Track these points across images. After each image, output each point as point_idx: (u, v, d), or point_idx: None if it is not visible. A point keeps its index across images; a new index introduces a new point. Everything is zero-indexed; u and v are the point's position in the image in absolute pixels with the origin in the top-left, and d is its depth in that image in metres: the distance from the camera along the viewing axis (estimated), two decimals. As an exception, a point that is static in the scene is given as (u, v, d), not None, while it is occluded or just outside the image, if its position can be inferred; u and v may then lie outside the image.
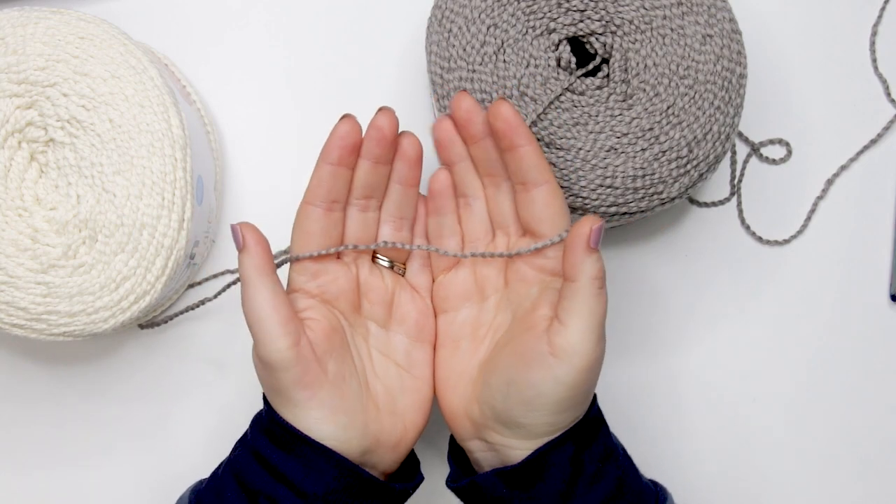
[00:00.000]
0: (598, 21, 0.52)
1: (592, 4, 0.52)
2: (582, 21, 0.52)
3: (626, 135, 0.51)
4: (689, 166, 0.51)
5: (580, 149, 0.50)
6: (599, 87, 0.52)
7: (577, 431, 0.44)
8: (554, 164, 0.50)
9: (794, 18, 0.59)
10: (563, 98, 0.51)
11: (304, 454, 0.43)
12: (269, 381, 0.44)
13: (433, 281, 0.49)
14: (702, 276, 0.58)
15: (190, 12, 0.58)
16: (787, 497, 0.57)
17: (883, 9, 0.59)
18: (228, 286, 0.51)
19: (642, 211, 0.51)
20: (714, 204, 0.58)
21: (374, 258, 0.49)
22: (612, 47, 0.52)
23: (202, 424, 0.56)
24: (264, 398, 0.45)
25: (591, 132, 0.51)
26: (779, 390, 0.57)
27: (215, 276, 0.57)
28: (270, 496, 0.42)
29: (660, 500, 0.46)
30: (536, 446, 0.44)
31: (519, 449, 0.44)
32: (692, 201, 0.58)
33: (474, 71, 0.51)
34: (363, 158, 0.46)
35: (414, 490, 0.47)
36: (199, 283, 0.57)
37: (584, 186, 0.50)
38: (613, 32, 0.52)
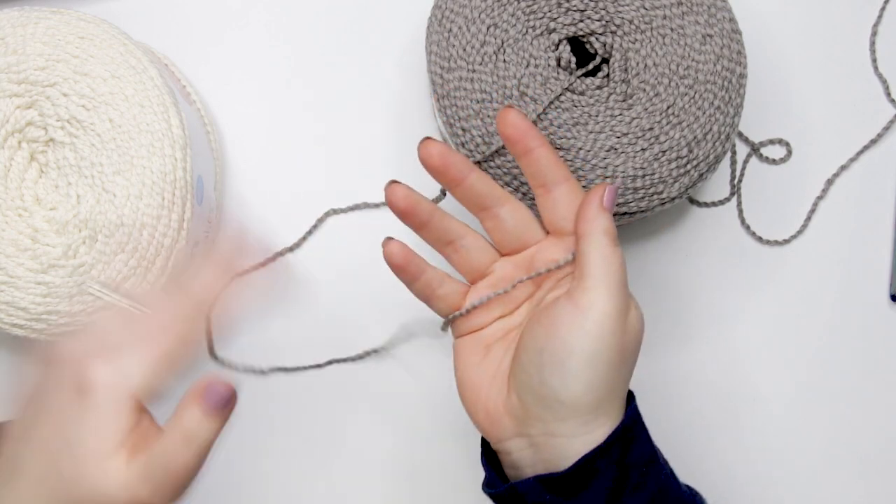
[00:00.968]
0: (598, 21, 0.52)
1: (592, 4, 0.52)
2: (582, 21, 0.52)
3: (626, 135, 0.51)
4: (689, 166, 0.51)
5: (580, 149, 0.50)
6: (599, 87, 0.52)
7: (621, 435, 0.43)
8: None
9: (794, 18, 0.59)
10: (563, 98, 0.51)
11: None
12: None
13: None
14: (702, 276, 0.58)
15: (190, 12, 0.58)
16: (786, 497, 0.57)
17: (883, 9, 0.59)
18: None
19: (642, 211, 0.51)
20: (714, 204, 0.58)
21: None
22: (612, 47, 0.52)
23: (202, 424, 0.56)
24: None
25: (591, 132, 0.51)
26: (779, 390, 0.57)
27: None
28: None
29: None
30: (582, 431, 0.43)
31: (564, 436, 0.43)
32: (692, 201, 0.58)
33: (474, 71, 0.51)
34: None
35: None
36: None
37: (584, 186, 0.50)
38: (613, 32, 0.52)
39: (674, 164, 0.51)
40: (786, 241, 0.58)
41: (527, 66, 0.51)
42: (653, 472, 0.44)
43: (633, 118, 0.51)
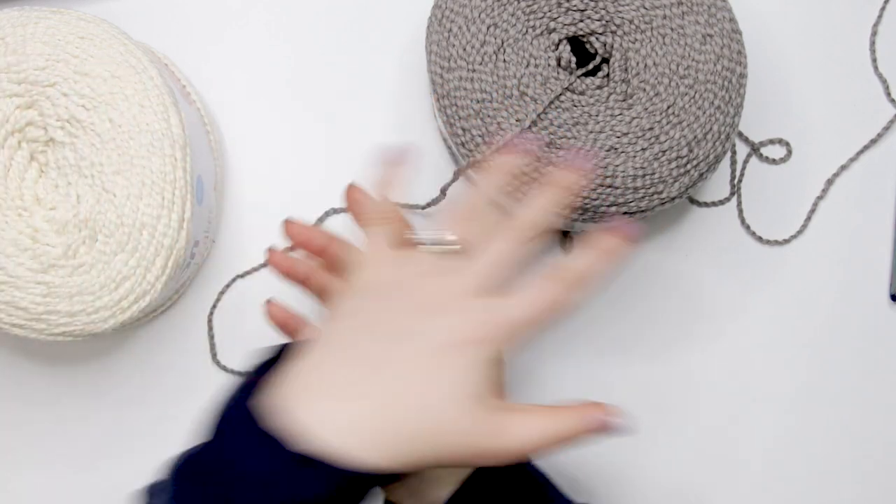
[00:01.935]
0: (598, 21, 0.52)
1: (592, 4, 0.52)
2: (582, 21, 0.52)
3: (626, 134, 0.51)
4: (689, 166, 0.51)
5: (580, 149, 0.50)
6: (599, 87, 0.52)
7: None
8: (554, 164, 0.50)
9: (794, 18, 0.59)
10: (563, 98, 0.51)
11: None
12: None
13: None
14: (702, 276, 0.58)
15: (190, 12, 0.58)
16: (786, 497, 0.57)
17: (883, 9, 0.59)
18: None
19: (642, 211, 0.51)
20: (714, 204, 0.58)
21: None
22: (612, 47, 0.52)
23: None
24: None
25: (591, 132, 0.51)
26: (779, 390, 0.57)
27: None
28: None
29: None
30: None
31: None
32: (692, 201, 0.58)
33: (474, 71, 0.51)
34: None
35: None
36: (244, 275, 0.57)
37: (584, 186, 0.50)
38: (613, 32, 0.52)
39: (674, 164, 0.51)
40: (786, 241, 0.58)
41: (527, 66, 0.51)
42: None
43: (633, 118, 0.51)
